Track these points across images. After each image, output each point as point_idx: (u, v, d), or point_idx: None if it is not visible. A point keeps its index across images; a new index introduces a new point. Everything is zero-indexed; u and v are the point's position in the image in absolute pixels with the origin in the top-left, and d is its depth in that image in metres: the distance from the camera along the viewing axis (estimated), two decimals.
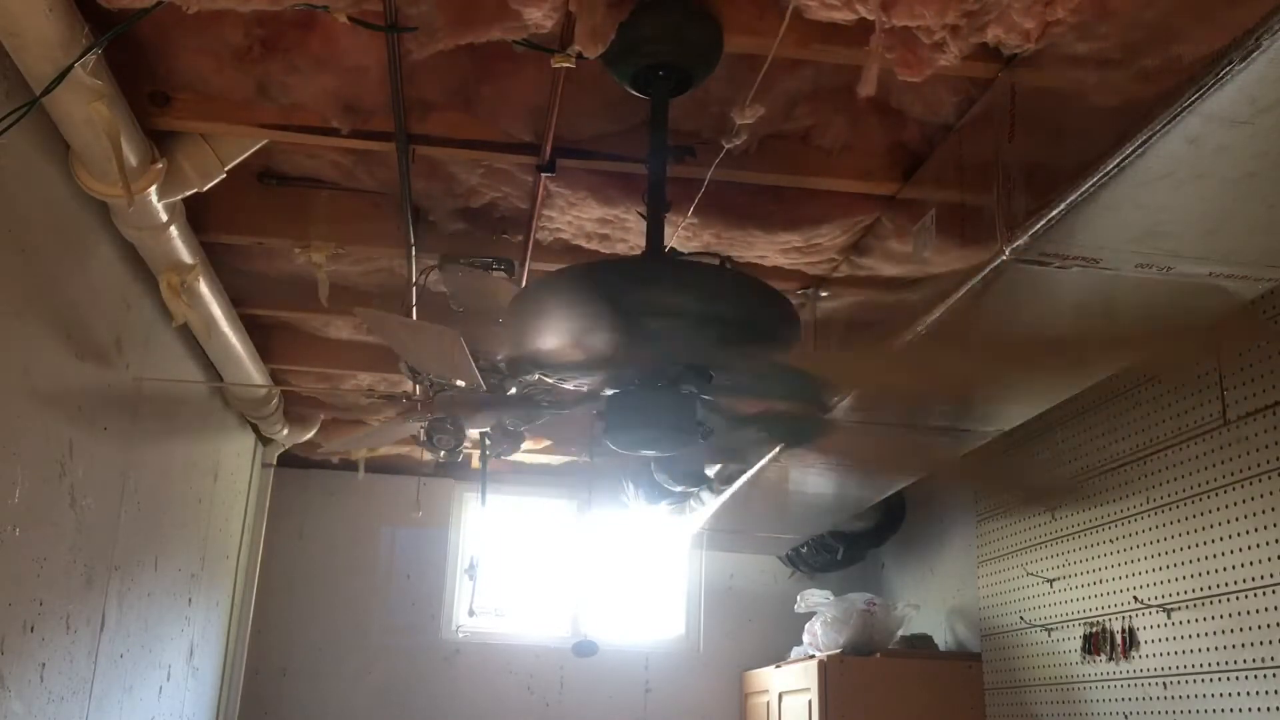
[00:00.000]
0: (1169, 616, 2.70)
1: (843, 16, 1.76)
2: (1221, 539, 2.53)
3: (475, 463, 4.60)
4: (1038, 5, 1.69)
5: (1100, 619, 2.99)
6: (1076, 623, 3.11)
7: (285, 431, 4.31)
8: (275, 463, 4.60)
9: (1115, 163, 1.56)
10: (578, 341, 1.75)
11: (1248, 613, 2.43)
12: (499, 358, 2.55)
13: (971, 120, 2.08)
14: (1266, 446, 2.40)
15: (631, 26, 1.78)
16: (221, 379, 3.52)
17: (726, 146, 2.14)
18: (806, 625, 4.13)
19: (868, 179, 2.33)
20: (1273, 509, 2.38)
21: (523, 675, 4.91)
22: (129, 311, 2.70)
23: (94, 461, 2.56)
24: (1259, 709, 2.37)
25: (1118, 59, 1.59)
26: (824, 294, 2.85)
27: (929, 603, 4.18)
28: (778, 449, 3.02)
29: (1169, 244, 1.77)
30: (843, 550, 4.54)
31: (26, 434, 2.16)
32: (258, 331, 3.42)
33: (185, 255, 2.59)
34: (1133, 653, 2.84)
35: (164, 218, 2.39)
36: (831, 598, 4.09)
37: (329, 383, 3.95)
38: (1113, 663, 2.92)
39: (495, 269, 2.72)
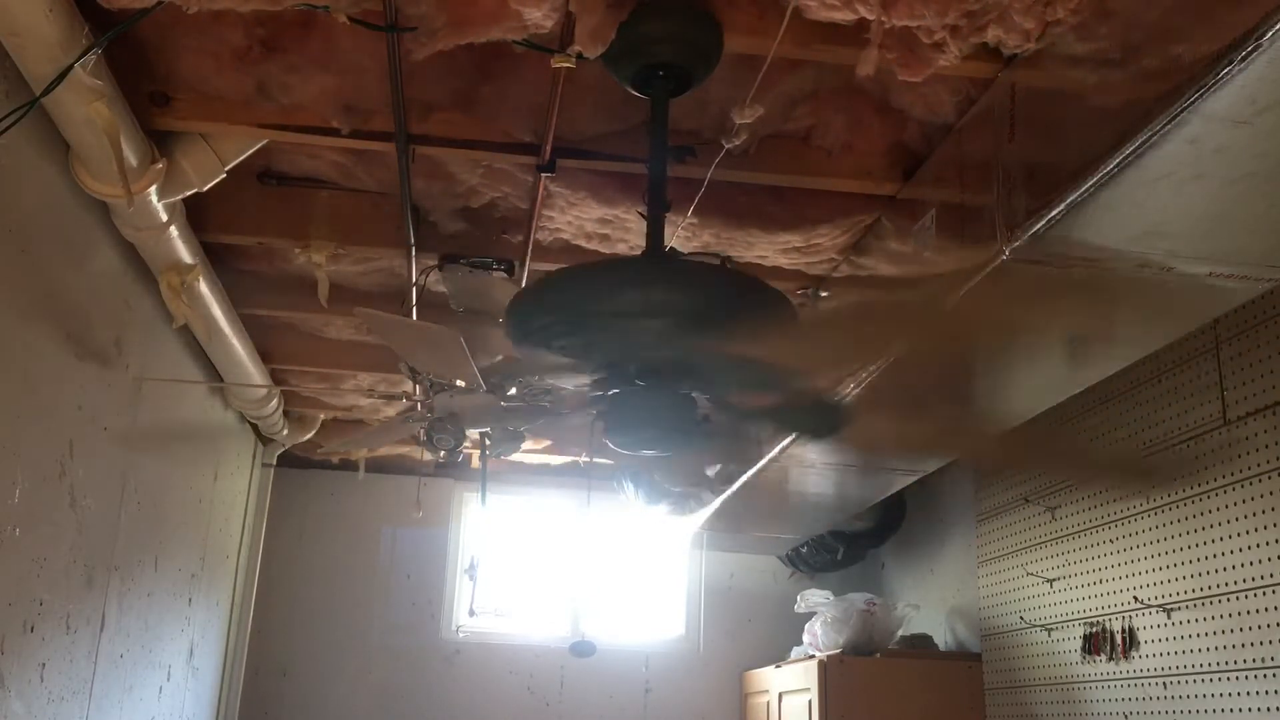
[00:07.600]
0: (1169, 616, 2.69)
1: (843, 16, 1.76)
2: (1221, 539, 2.53)
3: (475, 463, 4.60)
4: (1038, 5, 1.69)
5: (1100, 619, 2.99)
6: (1076, 623, 3.10)
7: (285, 431, 4.32)
8: (275, 463, 4.61)
9: (1115, 163, 1.56)
10: (577, 341, 1.75)
11: (1248, 613, 2.43)
12: (499, 358, 2.55)
13: (971, 120, 2.08)
14: (1266, 446, 2.40)
15: (631, 26, 1.78)
16: (221, 379, 3.52)
17: (726, 146, 2.14)
18: (806, 625, 4.13)
19: (868, 179, 2.33)
20: (1273, 509, 2.38)
21: (523, 675, 4.91)
22: (129, 311, 2.70)
23: (94, 461, 2.56)
24: (1259, 709, 2.37)
25: (1118, 59, 1.59)
26: (824, 294, 2.84)
27: (929, 603, 4.18)
28: (789, 441, 2.97)
29: (1169, 244, 1.76)
30: (843, 550, 4.54)
31: (26, 434, 2.16)
32: (258, 331, 3.42)
33: (185, 255, 2.59)
34: (1133, 653, 2.83)
35: (164, 218, 2.39)
36: (831, 598, 4.08)
37: (329, 383, 3.95)
38: (1113, 663, 2.92)
39: (495, 269, 2.72)
